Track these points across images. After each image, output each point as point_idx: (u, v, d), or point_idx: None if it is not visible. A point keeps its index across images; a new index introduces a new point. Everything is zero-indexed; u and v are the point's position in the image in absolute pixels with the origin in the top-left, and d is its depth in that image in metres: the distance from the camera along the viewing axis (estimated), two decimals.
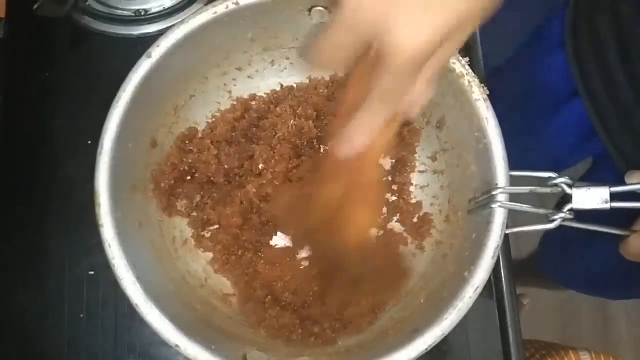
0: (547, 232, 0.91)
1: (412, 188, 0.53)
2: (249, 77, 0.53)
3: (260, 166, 0.49)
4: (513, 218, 0.41)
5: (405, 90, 0.33)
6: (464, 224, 0.46)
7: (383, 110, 0.34)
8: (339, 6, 0.30)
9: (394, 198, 0.52)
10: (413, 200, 0.52)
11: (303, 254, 0.51)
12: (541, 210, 0.40)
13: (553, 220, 0.39)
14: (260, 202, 0.49)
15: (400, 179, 0.53)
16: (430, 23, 0.29)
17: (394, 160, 0.53)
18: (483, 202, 0.42)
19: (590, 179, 0.65)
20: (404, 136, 0.52)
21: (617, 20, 0.51)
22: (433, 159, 0.52)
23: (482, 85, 0.44)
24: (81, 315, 0.51)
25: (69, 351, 0.50)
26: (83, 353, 0.50)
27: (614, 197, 0.37)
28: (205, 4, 0.45)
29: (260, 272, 0.50)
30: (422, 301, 0.45)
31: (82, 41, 0.59)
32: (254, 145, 0.50)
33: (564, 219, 0.39)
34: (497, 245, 0.40)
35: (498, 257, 0.47)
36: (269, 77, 0.54)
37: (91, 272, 0.52)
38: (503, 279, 0.50)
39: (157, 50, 0.44)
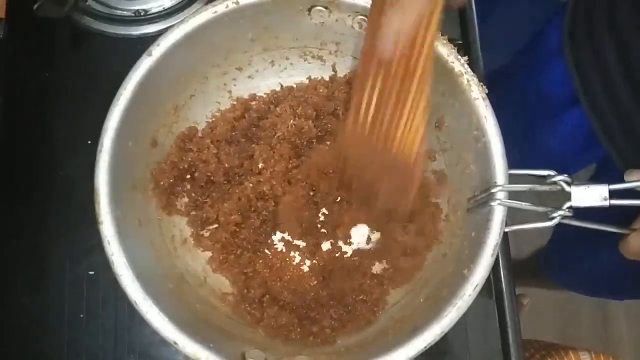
0: (553, 237, 0.91)
1: None
2: (249, 77, 0.54)
3: (260, 166, 0.49)
4: (512, 216, 0.41)
5: None
6: (463, 222, 0.46)
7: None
8: None
9: None
10: None
11: (301, 257, 0.52)
12: (540, 208, 0.40)
13: (552, 218, 0.39)
14: (258, 201, 0.49)
15: None
16: None
17: None
18: (482, 200, 0.42)
19: None
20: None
21: (615, 26, 0.51)
22: (432, 158, 0.52)
23: (481, 84, 0.44)
24: (81, 315, 0.51)
25: (69, 351, 0.50)
26: (83, 353, 0.50)
27: (613, 195, 0.38)
28: (206, 4, 0.45)
29: (259, 272, 0.50)
30: (421, 300, 0.45)
31: (82, 41, 0.59)
32: (253, 145, 0.50)
33: (563, 217, 0.39)
34: (497, 243, 0.40)
35: (498, 257, 0.47)
36: (269, 77, 0.54)
37: (91, 272, 0.52)
38: (503, 278, 0.50)
39: (158, 50, 0.44)
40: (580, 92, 0.56)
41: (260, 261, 0.50)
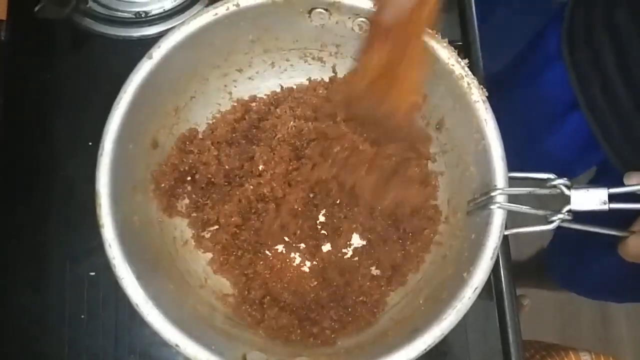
0: (554, 240, 0.91)
1: None
2: (249, 78, 0.54)
3: (260, 167, 0.49)
4: (512, 219, 0.41)
5: None
6: (463, 225, 0.46)
7: None
8: None
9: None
10: None
11: (301, 258, 0.52)
12: (540, 212, 0.40)
13: (552, 222, 0.39)
14: (259, 203, 0.49)
15: None
16: None
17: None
18: (482, 203, 0.42)
19: None
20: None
21: (613, 30, 0.51)
22: (432, 160, 0.52)
23: (481, 87, 0.44)
24: (82, 316, 0.51)
25: (70, 352, 0.51)
26: (84, 353, 0.51)
27: (612, 198, 0.38)
28: (206, 6, 0.45)
29: (259, 273, 0.50)
30: (421, 302, 0.45)
31: (83, 43, 0.59)
32: (254, 147, 0.50)
33: (563, 220, 0.39)
34: (496, 246, 0.40)
35: (498, 258, 0.47)
36: (269, 79, 0.54)
37: (92, 273, 0.52)
38: (503, 279, 0.50)
39: (158, 52, 0.44)
40: (579, 95, 0.57)
41: (261, 262, 0.50)
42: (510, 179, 0.42)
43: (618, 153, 0.55)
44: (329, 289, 0.49)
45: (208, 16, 0.45)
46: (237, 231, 0.49)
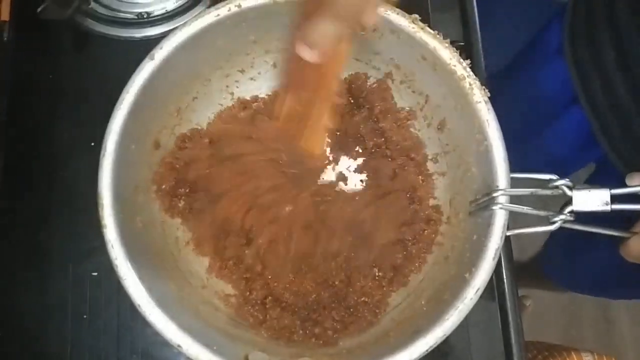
0: (551, 237, 0.91)
1: None
2: (251, 79, 0.54)
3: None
4: (514, 220, 0.41)
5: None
6: (465, 225, 0.46)
7: (342, 15, 0.35)
8: None
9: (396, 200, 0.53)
10: None
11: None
12: (542, 212, 0.40)
13: (554, 222, 0.39)
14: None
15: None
16: None
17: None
18: (484, 204, 0.42)
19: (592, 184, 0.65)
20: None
21: (614, 28, 0.51)
22: (434, 160, 0.52)
23: (483, 87, 0.44)
24: (84, 316, 0.51)
25: (72, 351, 0.51)
26: (86, 353, 0.51)
27: (614, 199, 0.38)
28: (208, 7, 0.45)
29: (260, 274, 0.50)
30: (423, 303, 0.45)
31: (85, 44, 0.59)
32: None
33: (565, 221, 0.39)
34: (498, 247, 0.40)
35: (500, 259, 0.47)
36: (271, 79, 0.54)
37: (94, 274, 0.52)
38: (505, 280, 0.50)
39: (160, 53, 0.44)
40: (580, 92, 0.56)
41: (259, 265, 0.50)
42: (512, 179, 0.42)
43: (617, 150, 0.55)
44: (331, 289, 0.49)
45: (210, 17, 0.45)
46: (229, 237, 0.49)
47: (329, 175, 0.53)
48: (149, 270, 0.42)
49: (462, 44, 0.58)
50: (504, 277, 0.50)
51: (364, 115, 0.53)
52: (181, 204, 0.50)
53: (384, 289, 0.49)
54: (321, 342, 0.46)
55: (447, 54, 0.44)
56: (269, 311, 0.47)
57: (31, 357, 0.51)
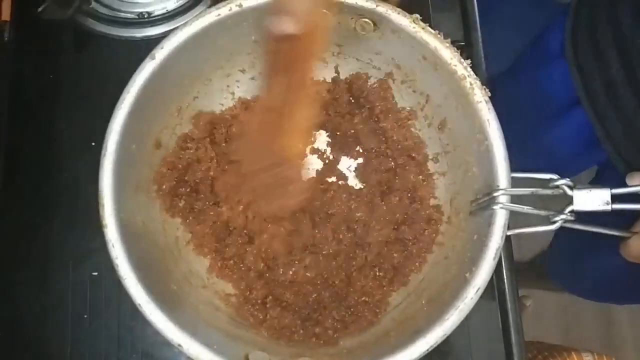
0: (555, 241, 0.91)
1: None
2: (252, 78, 0.54)
3: None
4: (515, 219, 0.41)
5: None
6: (465, 225, 0.46)
7: None
8: None
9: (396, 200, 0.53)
10: None
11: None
12: (542, 212, 0.40)
13: (554, 222, 0.39)
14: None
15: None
16: None
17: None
18: (485, 203, 0.42)
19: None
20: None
21: (617, 29, 0.51)
22: (435, 160, 0.52)
23: (484, 87, 0.44)
24: (85, 316, 0.51)
25: (72, 351, 0.51)
26: (86, 353, 0.51)
27: (615, 199, 0.38)
28: (209, 7, 0.45)
29: (261, 274, 0.50)
30: (423, 302, 0.45)
31: (86, 44, 0.59)
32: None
33: (565, 221, 0.39)
34: (499, 247, 0.40)
35: (500, 259, 0.47)
36: None
37: (95, 273, 0.52)
38: (505, 280, 0.50)
39: (161, 52, 0.44)
40: (582, 93, 0.56)
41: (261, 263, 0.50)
42: (513, 179, 0.42)
43: (619, 151, 0.55)
44: (331, 289, 0.50)
45: (211, 17, 0.45)
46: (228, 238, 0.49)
47: (329, 175, 0.53)
48: (150, 270, 0.42)
49: (462, 43, 0.58)
50: (504, 277, 0.50)
51: (365, 115, 0.53)
52: (182, 203, 0.50)
53: (385, 288, 0.49)
54: (322, 341, 0.46)
55: (448, 54, 0.44)
56: (270, 311, 0.47)
57: (31, 357, 0.51)
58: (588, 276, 0.80)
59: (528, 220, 0.40)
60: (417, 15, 0.45)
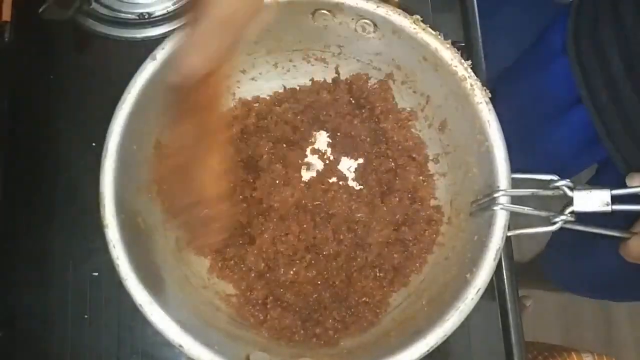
0: (552, 239, 0.91)
1: None
2: (252, 79, 0.54)
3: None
4: (515, 220, 0.42)
5: None
6: (466, 226, 0.46)
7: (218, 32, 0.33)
8: None
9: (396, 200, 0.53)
10: None
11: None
12: (543, 213, 0.40)
13: (555, 223, 0.39)
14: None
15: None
16: None
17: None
18: (485, 204, 0.42)
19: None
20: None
21: (620, 28, 0.51)
22: (435, 161, 0.52)
23: (484, 88, 0.44)
24: (85, 316, 0.51)
25: (73, 352, 0.51)
26: (86, 353, 0.51)
27: (615, 200, 0.38)
28: None
29: (261, 275, 0.50)
30: (424, 303, 0.45)
31: (86, 44, 0.59)
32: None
33: (566, 222, 0.39)
34: (499, 248, 0.40)
35: (500, 259, 0.47)
36: (272, 80, 0.54)
37: (95, 274, 0.52)
38: (505, 280, 0.50)
39: (162, 53, 0.44)
40: (583, 89, 0.56)
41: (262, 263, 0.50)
42: (513, 180, 0.42)
43: (620, 150, 0.55)
44: (332, 289, 0.50)
45: None
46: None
47: (330, 175, 0.53)
48: (151, 270, 0.42)
49: (462, 44, 0.58)
50: (505, 277, 0.50)
51: (365, 115, 0.53)
52: None
53: (385, 289, 0.49)
54: (322, 342, 0.47)
55: (449, 55, 0.44)
56: (270, 311, 0.47)
57: (32, 357, 0.51)
58: (585, 274, 0.81)
59: (528, 220, 0.41)
60: (418, 16, 0.45)
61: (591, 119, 0.57)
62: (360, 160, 0.54)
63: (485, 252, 0.40)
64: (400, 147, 0.52)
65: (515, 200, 0.41)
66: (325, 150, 0.54)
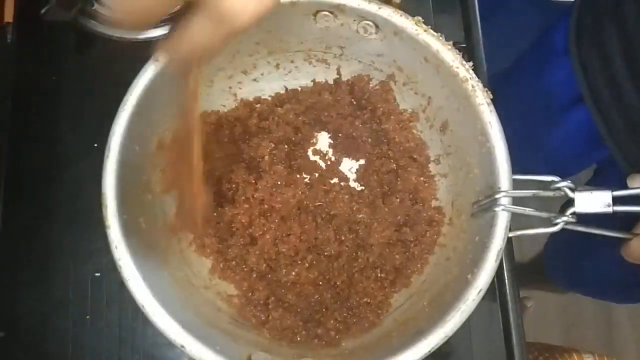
0: (552, 238, 0.91)
1: None
2: (254, 80, 0.54)
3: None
4: (516, 221, 0.42)
5: None
6: (467, 227, 0.46)
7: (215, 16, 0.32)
8: None
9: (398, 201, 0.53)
10: None
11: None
12: (544, 214, 0.40)
13: (556, 224, 0.39)
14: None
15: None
16: None
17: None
18: (486, 205, 0.42)
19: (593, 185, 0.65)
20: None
21: (622, 27, 0.51)
22: (437, 162, 0.52)
23: (486, 89, 0.44)
24: (87, 317, 0.52)
25: (74, 352, 0.51)
26: (88, 354, 0.51)
27: (616, 201, 0.38)
28: None
29: (263, 275, 0.50)
30: (425, 304, 0.45)
31: (88, 45, 0.59)
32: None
33: (567, 223, 0.39)
34: (501, 249, 0.40)
35: (501, 260, 0.47)
36: (273, 80, 0.54)
37: (97, 274, 0.52)
38: (506, 281, 0.50)
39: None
40: (585, 88, 0.56)
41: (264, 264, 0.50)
42: (514, 181, 0.42)
43: (622, 150, 0.55)
44: (333, 290, 0.50)
45: None
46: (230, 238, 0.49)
47: (331, 176, 0.54)
48: (153, 271, 0.42)
49: (463, 45, 0.58)
50: (506, 278, 0.50)
51: (367, 116, 0.53)
52: None
53: (386, 289, 0.49)
54: (324, 342, 0.47)
55: (450, 56, 0.44)
56: (272, 312, 0.47)
57: (33, 358, 0.51)
58: (586, 275, 0.81)
59: (529, 221, 0.41)
60: (419, 18, 0.45)
61: (593, 119, 0.57)
62: (362, 161, 0.54)
63: (486, 253, 0.40)
64: (401, 148, 0.52)
65: (516, 201, 0.41)
66: (327, 151, 0.54)
